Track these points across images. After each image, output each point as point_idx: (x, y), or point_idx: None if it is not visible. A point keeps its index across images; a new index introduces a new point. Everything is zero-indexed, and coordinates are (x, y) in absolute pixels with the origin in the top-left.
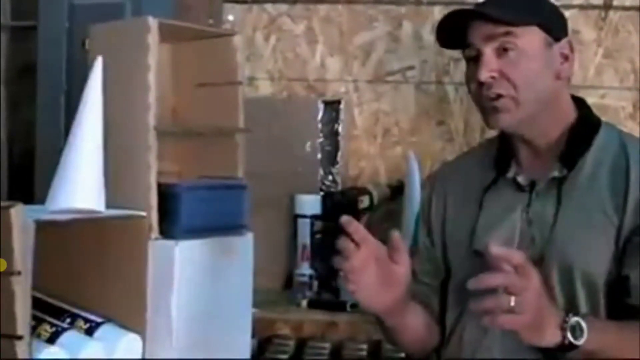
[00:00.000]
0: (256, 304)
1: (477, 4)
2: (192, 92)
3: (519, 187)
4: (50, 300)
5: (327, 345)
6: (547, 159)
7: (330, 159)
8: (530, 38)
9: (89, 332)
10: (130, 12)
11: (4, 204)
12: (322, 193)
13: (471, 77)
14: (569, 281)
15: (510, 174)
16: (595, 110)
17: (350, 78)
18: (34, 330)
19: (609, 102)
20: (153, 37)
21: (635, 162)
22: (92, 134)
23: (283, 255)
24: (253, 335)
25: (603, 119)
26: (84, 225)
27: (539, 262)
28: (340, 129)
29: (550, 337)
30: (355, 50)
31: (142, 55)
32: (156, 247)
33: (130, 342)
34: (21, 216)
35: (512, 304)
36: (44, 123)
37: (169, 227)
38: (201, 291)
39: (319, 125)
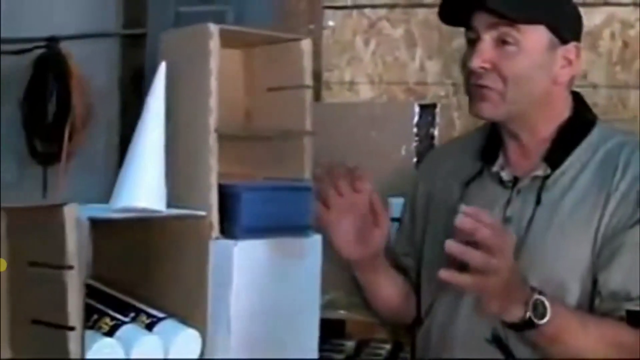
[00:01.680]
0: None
1: None
2: (263, 96)
3: (502, 183)
4: (118, 295)
5: None
6: (534, 157)
7: None
8: (533, 36)
9: (150, 326)
10: (233, 18)
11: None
12: None
13: (466, 60)
14: (539, 283)
15: (495, 168)
16: None
17: (449, 81)
18: (96, 324)
19: None
20: (214, 43)
21: (626, 165)
22: (154, 136)
23: None
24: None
25: None
26: (149, 224)
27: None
28: (436, 132)
29: (515, 311)
30: (454, 53)
31: (205, 61)
32: (216, 246)
33: (188, 338)
34: (74, 214)
35: (492, 262)
36: None
37: (229, 227)
38: (262, 291)
39: (415, 129)
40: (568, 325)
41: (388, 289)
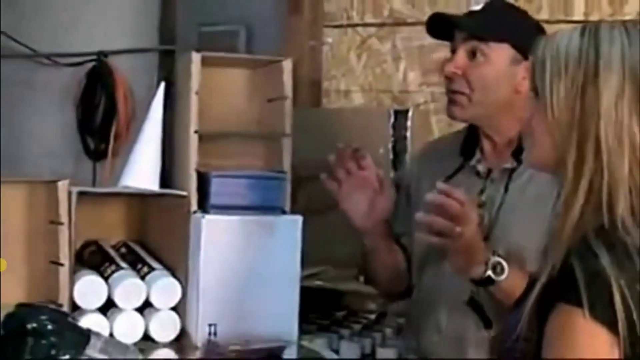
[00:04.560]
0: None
1: (468, 12)
2: (264, 105)
3: (478, 174)
4: (140, 251)
5: None
6: (504, 152)
7: (401, 160)
8: (499, 51)
9: (145, 275)
10: (244, 37)
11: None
12: None
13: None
14: (508, 255)
15: (472, 162)
16: None
17: (428, 89)
18: (105, 269)
19: None
20: (196, 66)
21: None
22: (152, 135)
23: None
24: None
25: None
26: (146, 200)
27: (486, 238)
28: (408, 134)
29: (476, 269)
30: (433, 65)
31: (189, 79)
32: (193, 218)
33: (168, 285)
34: (66, 189)
35: (458, 230)
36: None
37: (204, 204)
38: (234, 259)
39: (391, 131)
40: (522, 283)
41: (392, 256)
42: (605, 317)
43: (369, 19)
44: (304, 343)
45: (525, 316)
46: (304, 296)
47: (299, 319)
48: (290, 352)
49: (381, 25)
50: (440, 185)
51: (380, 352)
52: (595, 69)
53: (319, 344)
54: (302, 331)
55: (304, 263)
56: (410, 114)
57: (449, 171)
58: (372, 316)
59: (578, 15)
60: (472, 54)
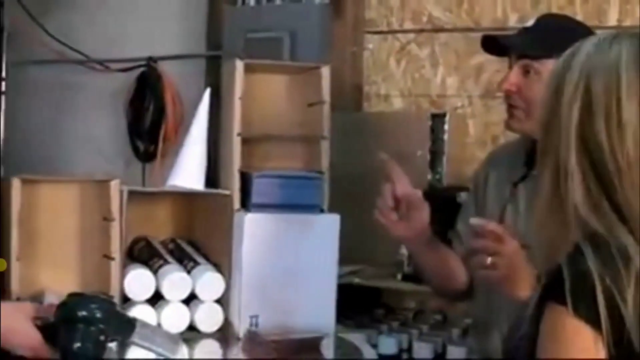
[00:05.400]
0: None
1: (520, 30)
2: (303, 110)
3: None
4: (187, 247)
5: None
6: None
7: (438, 161)
8: (550, 67)
9: (191, 269)
10: (289, 43)
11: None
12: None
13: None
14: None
15: (535, 172)
16: None
17: (465, 94)
18: (153, 264)
19: None
20: (239, 73)
21: None
22: (199, 138)
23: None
24: None
25: None
26: (193, 198)
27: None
28: (446, 137)
29: (524, 292)
30: (469, 71)
31: (233, 85)
32: (236, 216)
33: (213, 279)
34: (117, 188)
35: (488, 262)
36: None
37: (247, 203)
38: (273, 254)
39: (428, 135)
40: None
41: (437, 258)
42: (589, 315)
43: (408, 25)
44: (341, 335)
45: (528, 315)
46: (343, 293)
47: (336, 313)
48: (328, 343)
49: (420, 31)
50: (474, 220)
51: (451, 351)
52: (562, 80)
53: (357, 339)
54: (341, 327)
55: (343, 261)
56: (447, 117)
57: (514, 179)
58: (410, 314)
59: (612, 22)
60: (526, 72)
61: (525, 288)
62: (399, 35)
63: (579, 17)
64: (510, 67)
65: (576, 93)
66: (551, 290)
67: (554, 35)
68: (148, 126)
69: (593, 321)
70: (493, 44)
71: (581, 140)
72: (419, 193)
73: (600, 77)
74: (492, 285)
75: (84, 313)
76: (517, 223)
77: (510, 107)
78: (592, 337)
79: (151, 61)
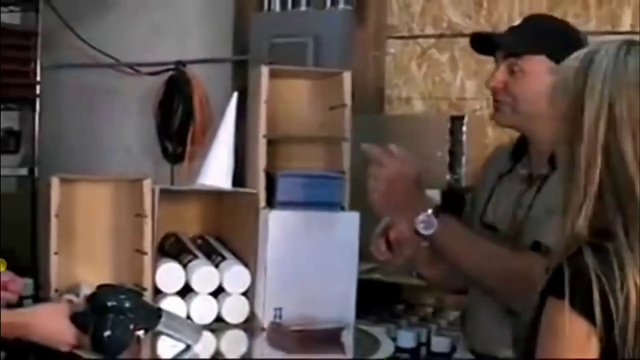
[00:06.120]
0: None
1: (508, 29)
2: (325, 112)
3: (521, 178)
4: (214, 243)
5: None
6: (544, 158)
7: (457, 162)
8: (534, 64)
9: (218, 263)
10: (312, 48)
11: (138, 176)
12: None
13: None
14: (537, 251)
15: (519, 166)
16: None
17: (484, 97)
18: (183, 258)
19: None
20: (264, 78)
21: None
22: (226, 140)
23: None
24: None
25: None
26: (221, 197)
27: (516, 234)
28: (464, 138)
29: (410, 218)
30: (488, 74)
31: (259, 89)
32: (262, 213)
33: (239, 272)
34: (150, 186)
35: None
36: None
37: (272, 201)
38: (296, 250)
39: (447, 136)
40: (457, 239)
41: (431, 263)
42: (584, 309)
43: (429, 30)
44: (361, 327)
45: (533, 310)
46: (364, 289)
47: (357, 308)
48: (347, 334)
49: (440, 36)
50: (364, 146)
51: (435, 341)
52: (582, 94)
53: (376, 331)
54: (363, 321)
55: (363, 258)
56: (466, 119)
57: (502, 172)
58: (429, 309)
59: (625, 27)
60: (512, 70)
61: (414, 210)
62: (420, 40)
63: (593, 23)
64: (497, 66)
65: (600, 112)
66: (552, 285)
67: (540, 34)
68: (176, 128)
69: (588, 314)
70: (481, 43)
71: (606, 156)
72: (407, 234)
73: (624, 95)
74: (374, 209)
75: (113, 303)
76: (498, 214)
77: (496, 102)
78: (586, 329)
79: (180, 65)
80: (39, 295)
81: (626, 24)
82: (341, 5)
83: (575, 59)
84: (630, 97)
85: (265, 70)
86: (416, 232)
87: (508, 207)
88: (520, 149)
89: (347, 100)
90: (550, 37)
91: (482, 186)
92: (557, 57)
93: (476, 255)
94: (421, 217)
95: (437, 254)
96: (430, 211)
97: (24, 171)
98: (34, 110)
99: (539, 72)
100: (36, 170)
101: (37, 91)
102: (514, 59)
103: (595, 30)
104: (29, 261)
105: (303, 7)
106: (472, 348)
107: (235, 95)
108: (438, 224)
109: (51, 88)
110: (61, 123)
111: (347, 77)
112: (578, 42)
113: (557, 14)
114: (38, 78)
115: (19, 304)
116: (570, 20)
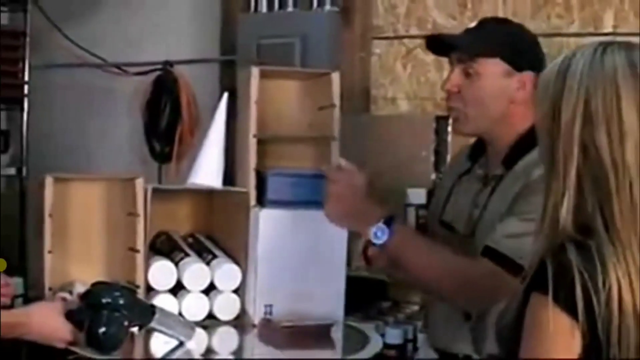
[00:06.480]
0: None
1: (464, 31)
2: (314, 113)
3: (478, 178)
4: (205, 242)
5: None
6: (500, 159)
7: (442, 162)
8: (489, 67)
9: (210, 261)
10: (299, 49)
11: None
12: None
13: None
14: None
15: (476, 166)
16: None
17: None
18: (175, 256)
19: None
20: (255, 79)
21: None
22: (217, 140)
23: None
24: None
25: None
26: (211, 195)
27: (472, 233)
28: (449, 138)
29: (364, 234)
30: None
31: (249, 90)
32: (252, 212)
33: (230, 270)
34: (142, 185)
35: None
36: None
37: (262, 199)
38: (287, 247)
39: (432, 136)
40: (410, 248)
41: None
42: (567, 304)
43: (414, 31)
44: (350, 323)
45: (514, 305)
46: (352, 286)
47: (346, 306)
48: (337, 330)
49: (425, 37)
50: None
51: (421, 337)
52: (561, 94)
53: (366, 328)
54: (351, 318)
55: (352, 255)
56: (451, 119)
57: (459, 173)
58: (415, 307)
59: (608, 28)
60: (467, 73)
61: (366, 222)
62: (405, 40)
63: (576, 24)
64: (452, 68)
65: (576, 108)
66: (536, 282)
67: (498, 35)
68: (164, 128)
69: (570, 310)
70: (437, 43)
71: (583, 153)
72: None
73: (599, 91)
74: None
75: (108, 300)
76: (455, 213)
77: (451, 110)
78: (568, 324)
79: (167, 65)
80: (29, 295)
81: (608, 25)
82: (327, 7)
83: (555, 64)
84: (606, 93)
85: (255, 71)
86: (369, 242)
87: (465, 207)
88: (478, 150)
89: (336, 100)
90: (505, 40)
91: (441, 185)
92: (511, 59)
93: (430, 264)
94: (373, 228)
95: (393, 262)
96: (382, 221)
97: (12, 171)
98: (22, 110)
99: (493, 75)
100: (24, 169)
101: (26, 91)
102: (470, 62)
103: (578, 32)
104: (18, 260)
105: (290, 8)
106: (434, 345)
107: (225, 95)
108: (392, 233)
109: (40, 88)
110: (50, 123)
111: (335, 77)
112: (533, 45)
113: (541, 15)
114: (26, 78)
115: (10, 304)
116: (554, 21)
